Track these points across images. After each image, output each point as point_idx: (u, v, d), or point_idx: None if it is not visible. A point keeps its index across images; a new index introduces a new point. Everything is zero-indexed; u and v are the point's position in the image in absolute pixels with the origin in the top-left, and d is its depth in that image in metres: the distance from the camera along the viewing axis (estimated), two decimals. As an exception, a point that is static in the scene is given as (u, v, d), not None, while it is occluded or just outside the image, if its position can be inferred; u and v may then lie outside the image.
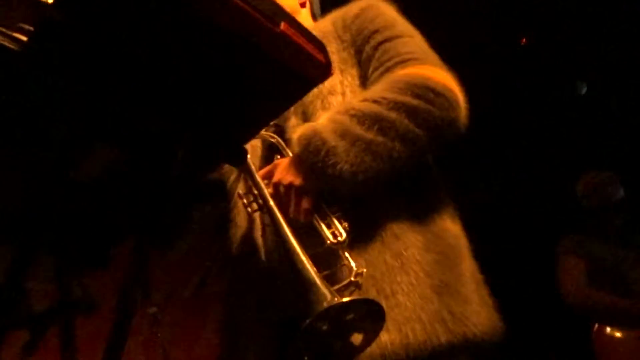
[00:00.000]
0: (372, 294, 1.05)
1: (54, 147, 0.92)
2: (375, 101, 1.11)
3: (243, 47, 0.84)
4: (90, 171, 0.98)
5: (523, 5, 3.24)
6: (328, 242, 1.08)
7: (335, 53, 1.29)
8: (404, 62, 1.19)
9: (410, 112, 1.09)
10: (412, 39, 1.26)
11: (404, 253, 1.09)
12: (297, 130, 1.15)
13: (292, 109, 1.27)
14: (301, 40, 0.88)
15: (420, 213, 1.16)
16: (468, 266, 1.15)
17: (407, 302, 1.04)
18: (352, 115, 1.10)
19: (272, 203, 1.12)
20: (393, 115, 1.09)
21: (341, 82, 1.26)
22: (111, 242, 1.19)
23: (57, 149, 0.93)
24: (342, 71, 1.28)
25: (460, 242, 1.18)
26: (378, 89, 1.15)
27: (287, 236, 1.04)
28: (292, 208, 1.12)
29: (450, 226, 1.18)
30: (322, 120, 1.14)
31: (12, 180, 0.89)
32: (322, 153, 1.07)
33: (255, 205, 1.20)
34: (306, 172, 1.11)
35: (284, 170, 1.15)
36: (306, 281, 0.96)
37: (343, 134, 1.08)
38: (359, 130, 1.08)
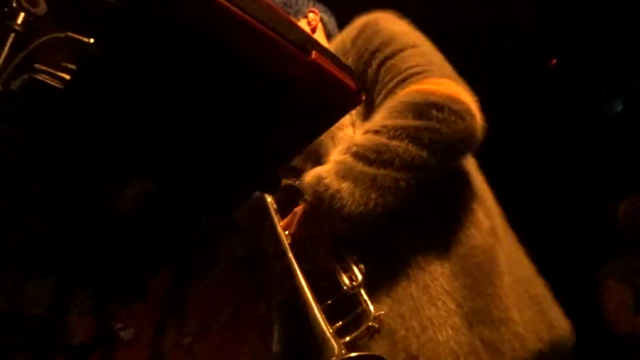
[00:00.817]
0: (401, 334, 1.01)
1: (92, 181, 0.95)
2: (376, 132, 1.08)
3: (276, 77, 0.85)
4: (126, 204, 1.00)
5: (552, 24, 3.22)
6: (345, 287, 1.06)
7: None
8: (405, 81, 1.15)
9: (412, 135, 1.05)
10: (414, 49, 1.20)
11: (431, 284, 1.05)
12: (305, 176, 1.13)
13: (306, 153, 1.27)
14: (332, 68, 0.89)
15: (444, 236, 1.11)
16: (505, 281, 1.07)
17: (438, 337, 0.99)
18: (354, 153, 1.08)
19: (290, 255, 1.09)
20: (395, 143, 1.05)
21: (349, 113, 1.21)
22: (146, 274, 1.21)
23: (95, 184, 0.96)
24: None
25: (492, 255, 1.10)
26: (379, 118, 1.11)
27: (302, 288, 1.01)
28: (309, 257, 1.11)
29: (478, 241, 1.10)
30: (327, 164, 1.12)
31: (52, 215, 0.92)
32: (327, 200, 1.05)
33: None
34: (318, 221, 1.09)
35: (299, 220, 1.14)
36: (317, 333, 0.94)
37: (345, 174, 1.06)
38: (360, 167, 1.06)
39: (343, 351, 0.90)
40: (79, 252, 0.94)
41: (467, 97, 1.11)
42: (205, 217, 1.10)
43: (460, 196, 1.18)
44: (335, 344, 0.91)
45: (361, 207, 1.04)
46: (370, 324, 1.03)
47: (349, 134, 1.24)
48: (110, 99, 0.84)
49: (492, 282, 1.06)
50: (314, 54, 0.85)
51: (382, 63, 1.21)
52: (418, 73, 1.15)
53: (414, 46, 1.21)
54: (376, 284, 1.08)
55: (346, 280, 1.08)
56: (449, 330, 1.00)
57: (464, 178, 1.21)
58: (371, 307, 1.04)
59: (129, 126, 0.88)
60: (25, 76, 0.81)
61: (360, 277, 1.07)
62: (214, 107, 0.90)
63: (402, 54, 1.19)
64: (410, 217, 1.10)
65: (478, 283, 1.05)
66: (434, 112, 1.06)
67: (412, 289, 1.05)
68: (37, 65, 0.80)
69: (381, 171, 1.05)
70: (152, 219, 1.03)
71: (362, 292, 1.07)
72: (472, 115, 1.09)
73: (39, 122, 0.82)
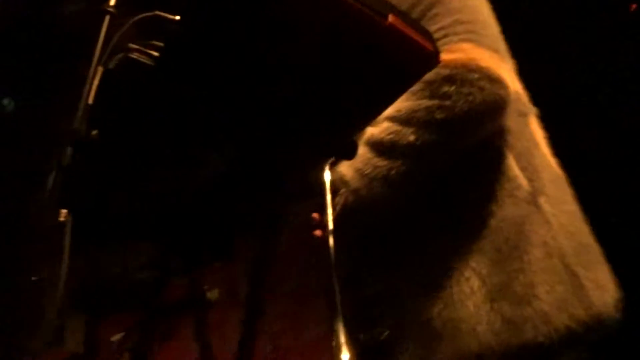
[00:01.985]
0: (425, 313, 1.02)
1: (183, 151, 1.01)
2: (391, 118, 1.06)
3: (353, 42, 0.86)
4: (214, 170, 1.06)
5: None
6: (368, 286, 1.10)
7: None
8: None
9: (423, 119, 1.01)
10: (442, 7, 1.09)
11: (457, 260, 1.03)
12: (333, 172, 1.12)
13: None
14: (409, 31, 0.88)
15: (474, 209, 1.06)
16: (535, 255, 1.02)
17: (460, 314, 0.99)
18: (372, 145, 1.07)
19: (330, 241, 1.04)
20: (406, 130, 1.02)
21: None
22: (232, 238, 1.28)
23: (186, 153, 1.02)
24: None
25: (524, 227, 1.04)
26: (400, 99, 1.06)
27: (334, 282, 0.97)
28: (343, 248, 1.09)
29: (511, 212, 1.05)
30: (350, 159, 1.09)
31: (151, 184, 0.99)
32: (350, 198, 1.07)
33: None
34: (347, 215, 1.09)
35: (338, 210, 1.12)
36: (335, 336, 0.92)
37: (363, 171, 1.06)
38: (376, 160, 1.05)
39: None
40: (175, 219, 1.01)
41: (489, 61, 1.04)
42: (285, 183, 1.15)
43: (497, 164, 1.11)
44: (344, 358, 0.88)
45: (381, 205, 1.05)
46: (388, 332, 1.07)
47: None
48: (197, 73, 0.89)
49: (519, 256, 1.02)
50: (391, 18, 0.85)
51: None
52: (437, 40, 1.06)
53: (440, 2, 1.11)
54: (400, 265, 1.09)
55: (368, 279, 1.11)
56: (471, 307, 0.98)
57: (502, 142, 1.13)
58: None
59: (215, 97, 0.93)
60: (120, 55, 0.87)
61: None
62: (292, 75, 0.92)
63: (429, 13, 1.11)
64: (438, 195, 1.09)
65: (505, 258, 1.02)
66: (446, 88, 1.01)
67: (437, 267, 1.05)
68: (130, 45, 0.85)
69: (395, 163, 1.03)
70: (237, 185, 1.09)
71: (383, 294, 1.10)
72: (493, 81, 1.02)
73: (134, 97, 0.88)
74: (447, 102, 1.00)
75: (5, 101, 2.82)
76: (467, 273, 1.01)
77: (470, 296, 0.99)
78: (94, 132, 0.74)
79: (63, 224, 0.77)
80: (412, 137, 1.01)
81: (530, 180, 1.10)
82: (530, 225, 1.05)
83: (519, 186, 1.08)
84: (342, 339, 0.90)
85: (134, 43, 0.87)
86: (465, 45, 1.05)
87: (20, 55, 2.72)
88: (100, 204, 0.94)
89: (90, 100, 0.79)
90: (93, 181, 0.89)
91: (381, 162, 1.04)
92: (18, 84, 2.86)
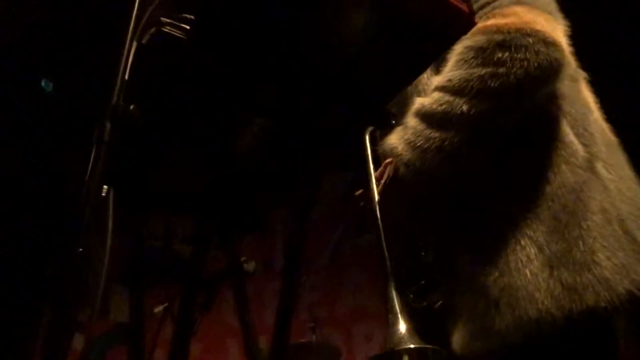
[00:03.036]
0: (480, 280, 1.01)
1: (217, 123, 1.01)
2: (442, 88, 1.03)
3: (386, 6, 0.84)
4: (247, 143, 1.06)
5: None
6: (422, 254, 1.09)
7: None
8: (477, 12, 1.05)
9: (477, 88, 0.98)
10: None
11: (514, 229, 1.02)
12: (383, 142, 1.11)
13: (410, 91, 1.20)
14: (444, -7, 0.86)
15: (530, 177, 1.04)
16: (594, 221, 1.00)
17: (517, 281, 0.97)
18: (422, 116, 1.04)
19: (377, 210, 1.02)
20: (459, 100, 0.99)
21: None
22: (265, 209, 1.30)
23: (219, 125, 1.02)
24: None
25: (581, 194, 1.02)
26: (448, 68, 1.05)
27: (384, 253, 0.95)
28: (391, 217, 1.07)
29: (567, 178, 1.03)
30: (399, 129, 1.09)
31: (188, 157, 1.00)
32: (401, 170, 1.05)
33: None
34: (397, 186, 1.08)
35: (386, 179, 1.11)
36: (389, 307, 0.90)
37: (414, 142, 1.04)
38: (428, 132, 1.02)
39: (404, 338, 0.87)
40: (211, 191, 1.02)
41: (543, 25, 1.01)
42: (321, 154, 1.14)
43: (552, 130, 1.08)
44: (401, 328, 0.87)
45: (435, 177, 1.03)
46: (442, 299, 1.06)
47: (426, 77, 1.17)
48: (229, 44, 0.88)
49: (578, 223, 1.00)
50: (425, -21, 0.83)
51: None
52: (488, 3, 1.06)
53: None
54: (454, 235, 1.08)
55: (422, 248, 1.10)
56: (528, 275, 0.97)
57: (557, 109, 1.10)
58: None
59: (246, 69, 0.93)
60: (153, 30, 0.87)
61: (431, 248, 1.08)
62: (324, 43, 0.91)
63: None
64: (494, 164, 1.06)
65: (563, 226, 1.00)
66: (500, 55, 0.98)
67: (493, 236, 1.03)
68: (162, 19, 0.85)
69: (449, 134, 1.01)
70: (271, 158, 1.09)
71: (437, 262, 1.09)
72: (549, 44, 0.99)
73: (168, 71, 0.88)
74: (501, 70, 0.97)
75: (44, 82, 2.89)
76: (524, 241, 1.00)
77: (527, 264, 0.98)
78: (132, 107, 0.75)
79: (105, 199, 0.79)
80: (465, 107, 0.99)
81: (585, 146, 1.08)
82: (588, 192, 1.03)
83: (575, 152, 1.06)
84: (398, 308, 0.88)
85: (166, 17, 0.87)
86: (518, 9, 1.03)
87: (56, 36, 2.77)
88: (141, 178, 0.96)
89: (127, 76, 0.80)
90: (133, 156, 0.90)
91: (434, 134, 1.02)
92: (55, 64, 2.92)
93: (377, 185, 1.12)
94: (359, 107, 1.04)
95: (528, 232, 1.00)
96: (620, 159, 1.15)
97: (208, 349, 3.76)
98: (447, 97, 1.02)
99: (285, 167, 1.15)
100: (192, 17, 0.89)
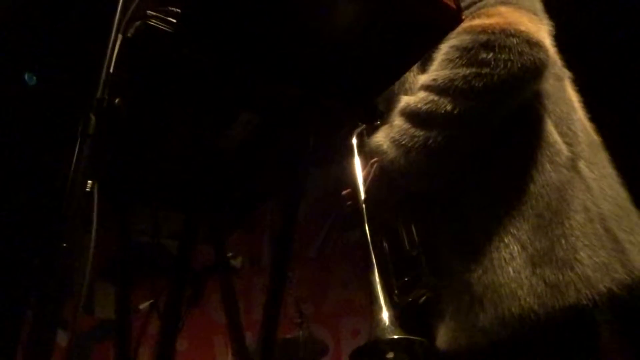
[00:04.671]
0: (465, 277, 1.02)
1: (203, 118, 1.01)
2: (427, 87, 1.04)
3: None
4: (235, 137, 1.06)
5: None
6: (407, 249, 1.10)
7: None
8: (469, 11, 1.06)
9: (460, 88, 0.99)
10: None
11: (497, 227, 1.03)
12: (370, 140, 1.13)
13: (396, 89, 1.20)
14: (432, -11, 0.86)
15: (514, 176, 1.05)
16: (577, 220, 1.01)
17: (500, 279, 0.99)
18: (407, 115, 1.06)
19: (363, 207, 1.09)
20: (443, 99, 1.01)
21: None
22: (253, 206, 1.29)
23: (206, 120, 1.02)
24: None
25: (565, 193, 1.03)
26: (433, 68, 1.07)
27: (368, 246, 1.01)
28: (377, 213, 1.12)
29: (551, 177, 1.04)
30: (385, 128, 1.10)
31: (176, 153, 0.99)
32: (386, 167, 1.06)
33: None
34: (382, 184, 1.10)
35: (371, 177, 1.13)
36: (374, 297, 0.95)
37: (400, 141, 1.05)
38: (413, 130, 1.03)
39: (388, 329, 0.91)
40: (198, 186, 1.02)
41: (527, 25, 1.02)
42: (306, 150, 1.14)
43: (536, 130, 1.09)
44: (385, 318, 0.91)
45: (420, 176, 1.05)
46: (427, 294, 1.08)
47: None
48: (215, 37, 0.88)
49: (561, 222, 1.01)
50: (413, -25, 0.83)
51: None
52: (474, 3, 1.07)
53: None
54: (438, 231, 1.09)
55: (407, 244, 1.11)
56: (511, 272, 0.98)
57: (541, 108, 1.11)
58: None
59: (233, 63, 0.92)
60: (138, 23, 0.86)
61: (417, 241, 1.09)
62: (313, 37, 0.91)
63: None
64: (478, 162, 1.07)
65: (547, 224, 1.01)
66: (484, 55, 0.99)
67: (476, 233, 1.04)
68: (148, 12, 0.84)
69: (433, 133, 1.02)
70: (258, 153, 1.09)
71: (422, 257, 1.09)
72: (533, 45, 1.00)
73: (154, 64, 0.87)
74: (486, 70, 0.99)
75: (27, 76, 2.84)
76: (507, 239, 1.01)
77: (510, 262, 0.99)
78: (117, 100, 0.74)
79: (90, 193, 0.78)
80: (449, 107, 1.00)
81: (569, 145, 1.09)
82: (571, 191, 1.04)
83: (559, 152, 1.07)
84: (382, 298, 0.91)
85: (151, 10, 0.86)
86: (504, 9, 1.04)
87: (39, 29, 2.72)
88: (127, 172, 0.95)
89: (112, 69, 0.79)
90: (119, 150, 0.89)
91: (418, 133, 1.03)
92: (38, 58, 2.87)
93: (364, 184, 1.13)
94: (347, 102, 1.04)
95: (512, 230, 1.01)
96: (602, 158, 1.16)
97: (193, 346, 3.75)
98: (432, 97, 1.02)
99: (272, 162, 1.15)
100: (179, 10, 0.88)
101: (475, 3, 1.07)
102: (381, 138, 1.09)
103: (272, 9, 0.85)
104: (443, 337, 1.04)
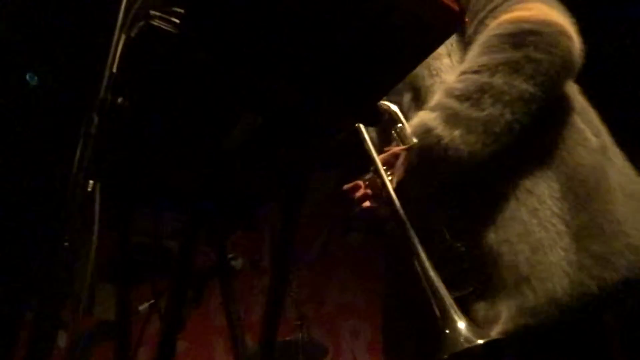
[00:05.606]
0: (509, 257, 1.01)
1: (206, 119, 1.00)
2: (475, 72, 1.06)
3: (376, 1, 0.84)
4: (236, 139, 1.05)
5: None
6: (448, 239, 1.09)
7: None
8: (495, 10, 1.14)
9: (514, 68, 1.03)
10: None
11: (540, 207, 1.04)
12: (410, 122, 1.11)
13: (402, 84, 1.21)
14: (435, -9, 0.86)
15: (549, 158, 1.08)
16: (616, 196, 1.04)
17: (550, 258, 0.99)
18: (458, 96, 1.06)
19: (396, 200, 1.01)
20: (498, 80, 1.03)
21: (445, 43, 1.13)
22: (255, 207, 1.29)
23: (209, 121, 1.01)
24: None
25: (600, 172, 1.07)
26: (474, 55, 1.10)
27: (415, 243, 0.93)
28: (414, 203, 1.06)
29: (585, 159, 1.07)
30: (431, 112, 1.09)
31: (177, 153, 0.99)
32: (440, 151, 1.04)
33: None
34: (426, 169, 1.08)
35: (405, 166, 1.10)
36: (437, 300, 0.86)
37: (456, 121, 1.04)
38: (469, 111, 1.04)
39: (471, 334, 0.81)
40: (199, 187, 1.01)
41: (561, 19, 1.09)
42: (307, 152, 1.14)
43: (565, 117, 1.14)
44: (461, 323, 0.82)
45: (477, 154, 1.04)
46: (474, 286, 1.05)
47: (446, 64, 1.20)
48: (219, 38, 0.87)
49: (601, 198, 1.04)
50: (417, -24, 0.82)
51: None
52: (506, 1, 1.14)
53: None
54: (480, 214, 1.08)
55: (447, 234, 1.10)
56: (560, 251, 0.99)
57: (567, 100, 1.17)
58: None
59: (236, 64, 0.92)
60: (142, 23, 0.86)
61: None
62: (315, 38, 0.90)
63: None
64: (517, 145, 1.08)
65: (585, 200, 1.03)
66: (531, 39, 1.04)
67: (521, 213, 1.04)
68: (151, 12, 0.84)
69: (491, 111, 1.03)
70: (260, 154, 1.08)
71: (464, 248, 1.08)
72: (569, 37, 1.07)
73: (157, 65, 0.87)
74: (535, 54, 1.04)
75: (28, 76, 2.84)
76: (553, 219, 1.02)
77: (558, 241, 1.01)
78: (120, 100, 0.74)
79: (92, 193, 0.78)
80: (506, 87, 1.03)
81: (595, 136, 1.13)
82: (606, 172, 1.08)
83: (589, 138, 1.12)
84: (452, 310, 0.84)
85: (155, 10, 0.86)
86: (537, 5, 1.11)
87: (43, 28, 2.73)
88: (129, 173, 0.95)
89: (115, 69, 0.79)
90: (121, 150, 0.89)
91: (476, 113, 1.05)
92: (40, 58, 2.88)
93: (387, 172, 1.10)
94: (349, 104, 1.04)
95: (555, 210, 1.03)
96: (620, 152, 1.20)
97: (193, 347, 3.74)
98: (484, 79, 1.05)
99: (273, 164, 1.15)
100: (182, 10, 0.88)
101: (506, 1, 1.12)
102: (429, 120, 1.07)
103: (274, 11, 0.85)
104: (500, 321, 1.01)
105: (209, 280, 1.33)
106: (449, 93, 1.09)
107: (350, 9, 0.85)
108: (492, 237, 1.06)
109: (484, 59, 1.06)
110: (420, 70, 1.22)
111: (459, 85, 1.08)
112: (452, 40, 1.21)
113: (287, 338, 3.22)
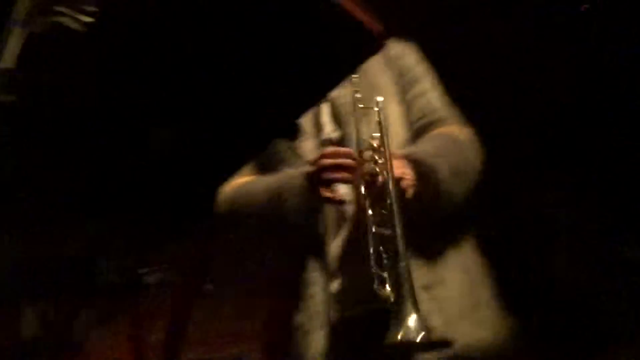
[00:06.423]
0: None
1: (119, 124, 0.95)
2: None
3: (300, 21, 0.83)
4: (157, 147, 1.00)
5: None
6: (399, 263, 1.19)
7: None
8: (438, 122, 1.45)
9: (454, 167, 1.35)
10: (439, 94, 1.50)
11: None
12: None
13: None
14: (357, 13, 0.86)
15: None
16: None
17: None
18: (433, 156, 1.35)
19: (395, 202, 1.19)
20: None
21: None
22: (180, 220, 1.23)
23: (122, 126, 0.95)
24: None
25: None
26: (429, 146, 1.41)
27: (402, 243, 1.14)
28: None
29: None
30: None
31: (88, 160, 0.93)
32: (432, 177, 1.31)
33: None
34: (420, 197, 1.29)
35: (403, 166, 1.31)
36: (402, 296, 1.05)
37: (452, 171, 1.34)
38: (446, 162, 1.35)
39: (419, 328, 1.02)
40: (116, 197, 0.96)
41: (475, 139, 1.48)
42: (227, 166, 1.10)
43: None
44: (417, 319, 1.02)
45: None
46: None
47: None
48: (134, 40, 0.83)
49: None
50: (340, -3, 0.82)
51: (422, 93, 1.48)
52: (446, 118, 1.48)
53: (438, 89, 1.52)
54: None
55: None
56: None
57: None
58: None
59: (152, 68, 0.87)
60: (46, 19, 0.80)
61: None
62: (237, 50, 0.88)
63: (434, 94, 1.50)
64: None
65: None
66: (466, 153, 1.44)
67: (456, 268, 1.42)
68: (57, 8, 0.79)
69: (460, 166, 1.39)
70: (183, 162, 1.04)
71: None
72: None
73: (62, 65, 0.81)
74: (465, 160, 1.42)
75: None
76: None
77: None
78: (10, 98, 0.68)
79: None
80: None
81: None
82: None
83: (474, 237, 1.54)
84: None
85: (61, 5, 0.80)
86: (462, 127, 1.48)
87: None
88: (23, 180, 0.88)
89: (10, 64, 0.73)
90: (13, 154, 0.82)
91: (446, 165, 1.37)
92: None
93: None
94: (270, 121, 1.02)
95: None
96: None
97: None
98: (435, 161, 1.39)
99: (197, 175, 1.10)
100: (93, 8, 0.83)
101: (446, 118, 1.50)
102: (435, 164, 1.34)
103: (202, 17, 0.82)
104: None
105: (119, 296, 1.25)
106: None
107: (267, 31, 0.84)
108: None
109: (436, 151, 1.42)
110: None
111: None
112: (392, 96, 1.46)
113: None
